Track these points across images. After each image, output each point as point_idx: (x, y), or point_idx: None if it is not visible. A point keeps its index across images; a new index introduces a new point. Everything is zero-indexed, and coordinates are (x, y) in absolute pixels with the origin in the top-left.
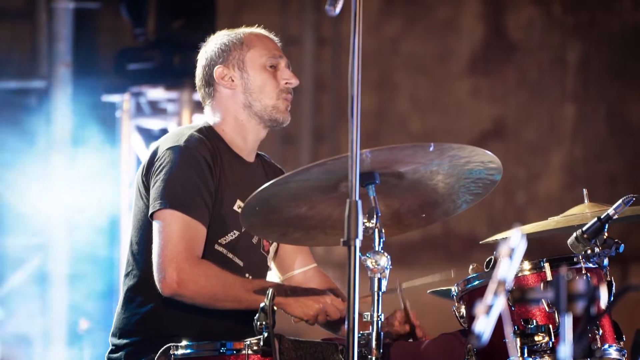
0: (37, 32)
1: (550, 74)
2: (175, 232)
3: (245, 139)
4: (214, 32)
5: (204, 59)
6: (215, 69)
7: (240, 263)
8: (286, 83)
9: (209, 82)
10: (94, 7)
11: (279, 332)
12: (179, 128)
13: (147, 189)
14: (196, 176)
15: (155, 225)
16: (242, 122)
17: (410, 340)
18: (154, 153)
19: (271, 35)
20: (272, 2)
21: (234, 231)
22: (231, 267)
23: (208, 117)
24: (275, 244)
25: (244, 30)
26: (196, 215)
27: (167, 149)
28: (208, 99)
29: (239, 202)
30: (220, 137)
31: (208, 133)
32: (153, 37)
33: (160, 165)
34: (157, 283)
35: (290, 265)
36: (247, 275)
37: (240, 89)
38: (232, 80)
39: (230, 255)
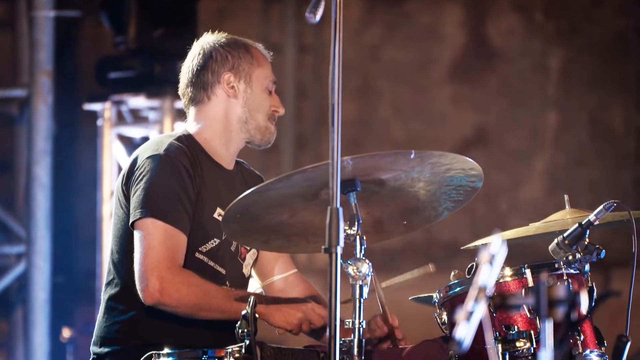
0: (18, 40)
1: (531, 81)
2: (156, 240)
3: (228, 147)
4: (195, 41)
5: (208, 58)
6: (224, 74)
7: (222, 271)
8: (274, 111)
9: (209, 82)
10: (74, 16)
11: (260, 339)
12: (159, 137)
13: (127, 198)
14: (176, 184)
15: (137, 234)
16: (231, 132)
17: (391, 344)
18: (134, 162)
19: (269, 56)
20: (254, 11)
21: (215, 239)
22: (213, 275)
23: (189, 125)
24: (254, 252)
25: (249, 42)
26: (177, 223)
27: (147, 158)
28: (197, 101)
29: (219, 210)
30: (200, 145)
31: (187, 141)
32: (134, 45)
33: (140, 174)
34: (139, 292)
35: (270, 271)
36: (227, 283)
37: (241, 102)
38: (233, 89)
39: (211, 263)
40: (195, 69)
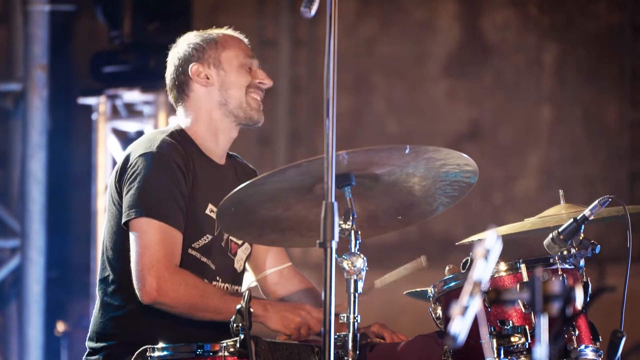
0: (13, 35)
1: (526, 76)
2: (153, 240)
3: (218, 140)
4: (180, 39)
5: (177, 59)
6: (190, 66)
7: (213, 267)
8: (260, 83)
9: (183, 81)
10: (69, 10)
11: (255, 334)
12: (151, 133)
13: (120, 195)
14: (170, 182)
15: (132, 234)
16: (216, 122)
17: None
18: (126, 159)
19: (242, 37)
20: (248, 5)
21: (207, 235)
22: (205, 271)
23: (180, 120)
24: (247, 247)
25: (216, 31)
26: (172, 222)
27: (139, 156)
28: (180, 100)
29: (210, 206)
30: (192, 140)
31: (180, 137)
32: (129, 39)
33: (133, 172)
34: (137, 291)
35: (264, 264)
36: (218, 278)
37: (217, 86)
38: (208, 78)
39: (204, 259)
40: (171, 74)
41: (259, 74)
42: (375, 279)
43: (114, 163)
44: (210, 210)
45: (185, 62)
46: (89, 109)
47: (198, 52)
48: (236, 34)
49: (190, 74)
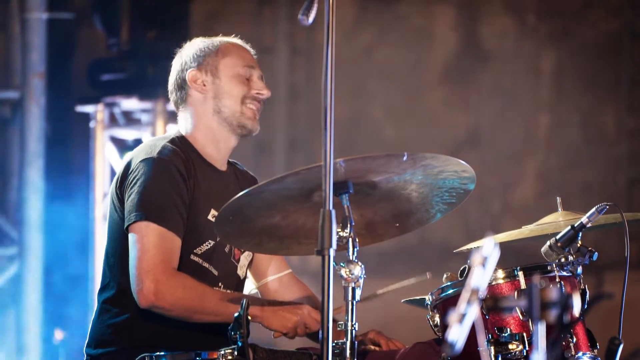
0: (11, 42)
1: (524, 83)
2: (151, 243)
3: (218, 147)
4: (187, 43)
5: (179, 64)
6: (188, 72)
7: (215, 272)
8: (257, 94)
9: (182, 85)
10: (67, 18)
11: (253, 341)
12: (152, 139)
13: (121, 201)
14: (170, 187)
15: (131, 237)
16: (213, 129)
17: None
18: (128, 165)
19: (247, 46)
20: (246, 12)
21: (209, 241)
22: (207, 277)
23: (181, 126)
24: (249, 253)
25: (221, 38)
26: (171, 226)
27: (141, 161)
28: (180, 104)
29: (213, 212)
30: (193, 146)
31: (181, 143)
32: (126, 47)
33: (134, 178)
34: (134, 295)
35: (264, 271)
36: (220, 284)
37: (211, 94)
38: (204, 85)
39: (206, 265)
40: (174, 76)
41: (257, 84)
42: (373, 287)
43: (112, 171)
44: (213, 215)
45: (184, 67)
46: (86, 117)
47: (198, 58)
48: (241, 42)
49: (187, 79)
